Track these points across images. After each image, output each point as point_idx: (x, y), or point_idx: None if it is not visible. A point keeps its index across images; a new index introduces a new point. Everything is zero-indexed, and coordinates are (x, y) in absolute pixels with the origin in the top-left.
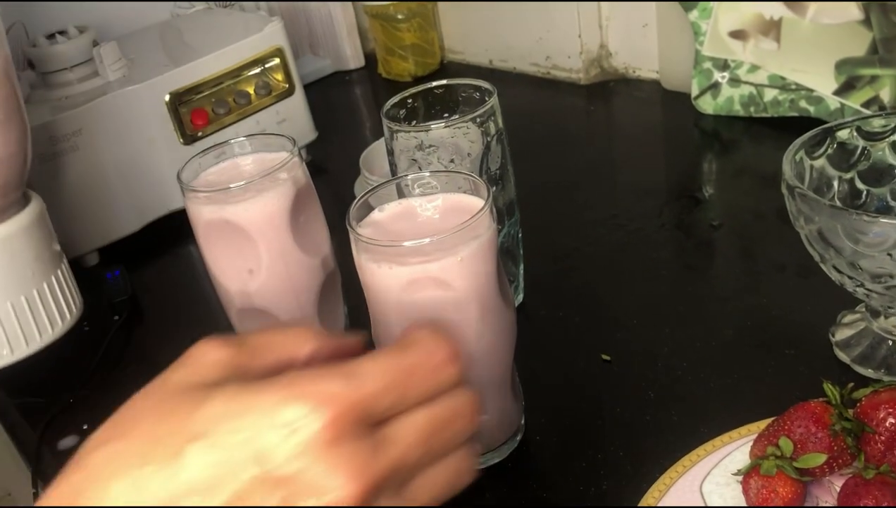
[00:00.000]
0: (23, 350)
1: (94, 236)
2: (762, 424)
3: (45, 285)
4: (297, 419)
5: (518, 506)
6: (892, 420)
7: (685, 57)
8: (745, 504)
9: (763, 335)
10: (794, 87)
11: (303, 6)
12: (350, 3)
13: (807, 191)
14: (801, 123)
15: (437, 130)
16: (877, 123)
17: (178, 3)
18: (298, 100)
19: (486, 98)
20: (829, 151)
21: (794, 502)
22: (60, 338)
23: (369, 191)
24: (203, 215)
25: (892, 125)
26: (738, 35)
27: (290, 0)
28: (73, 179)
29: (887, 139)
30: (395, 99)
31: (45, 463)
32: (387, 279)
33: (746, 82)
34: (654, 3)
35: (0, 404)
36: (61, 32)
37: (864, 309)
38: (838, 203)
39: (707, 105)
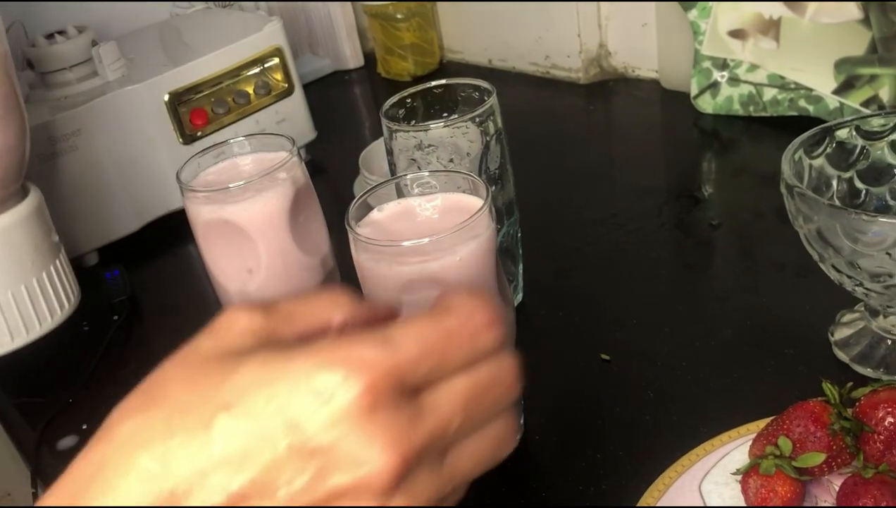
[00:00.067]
0: (22, 338)
1: (93, 236)
2: (761, 423)
3: (44, 275)
4: (331, 387)
5: (517, 506)
6: (891, 420)
7: (684, 56)
8: (744, 504)
9: (762, 335)
10: (793, 86)
11: (302, 6)
12: (349, 3)
13: (806, 190)
14: (801, 123)
15: (437, 129)
16: (876, 123)
17: (177, 2)
18: (298, 100)
19: (486, 98)
20: (828, 150)
21: (793, 501)
22: (60, 337)
23: (368, 191)
24: (202, 214)
25: (891, 124)
26: (737, 34)
27: (290, 0)
28: (73, 178)
29: (886, 138)
30: (395, 99)
31: (45, 463)
32: (386, 279)
33: (746, 82)
34: (653, 2)
35: None
36: (60, 32)
37: (863, 308)
38: (837, 202)
39: (706, 104)
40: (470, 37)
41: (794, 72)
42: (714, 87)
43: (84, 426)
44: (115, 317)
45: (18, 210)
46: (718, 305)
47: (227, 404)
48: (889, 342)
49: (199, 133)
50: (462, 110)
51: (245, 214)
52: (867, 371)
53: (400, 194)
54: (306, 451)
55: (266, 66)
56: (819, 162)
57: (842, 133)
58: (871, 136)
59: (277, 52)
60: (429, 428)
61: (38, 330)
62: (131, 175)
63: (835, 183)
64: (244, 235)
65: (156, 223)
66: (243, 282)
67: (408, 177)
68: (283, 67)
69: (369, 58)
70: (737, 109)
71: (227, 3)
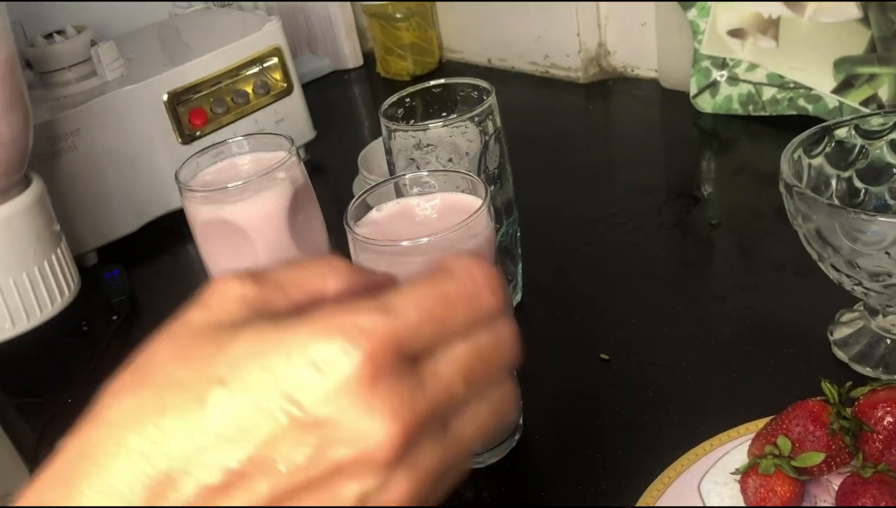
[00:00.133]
0: (23, 325)
1: (92, 236)
2: (760, 423)
3: (46, 263)
4: (329, 357)
5: (516, 506)
6: (890, 419)
7: (684, 56)
8: (743, 504)
9: (761, 334)
10: (792, 85)
11: (301, 5)
12: (348, 3)
13: (805, 190)
14: (800, 122)
15: (435, 129)
16: (875, 122)
17: (176, 2)
18: (297, 99)
19: (484, 97)
20: (828, 149)
21: (793, 501)
22: (60, 337)
23: (367, 190)
24: (201, 214)
25: (891, 124)
26: (736, 34)
27: (289, 0)
28: (72, 178)
29: (885, 138)
30: (393, 98)
31: (45, 463)
32: None
33: (745, 81)
34: (652, 2)
35: None
36: (59, 32)
37: (862, 308)
38: (836, 202)
39: (706, 104)
40: (469, 36)
41: (793, 71)
42: (713, 86)
43: None
44: (115, 317)
45: (21, 199)
46: (718, 304)
47: (222, 377)
48: (888, 341)
49: (197, 133)
50: (461, 110)
51: (244, 213)
52: (866, 371)
53: (399, 193)
54: (305, 424)
55: (265, 65)
56: (818, 161)
57: (841, 132)
58: (870, 135)
59: (276, 51)
60: (431, 397)
61: (38, 317)
62: (130, 175)
63: (834, 182)
64: (243, 234)
65: (155, 223)
66: None
67: (407, 177)
68: (282, 66)
69: (368, 57)
70: (736, 108)
71: (226, 2)
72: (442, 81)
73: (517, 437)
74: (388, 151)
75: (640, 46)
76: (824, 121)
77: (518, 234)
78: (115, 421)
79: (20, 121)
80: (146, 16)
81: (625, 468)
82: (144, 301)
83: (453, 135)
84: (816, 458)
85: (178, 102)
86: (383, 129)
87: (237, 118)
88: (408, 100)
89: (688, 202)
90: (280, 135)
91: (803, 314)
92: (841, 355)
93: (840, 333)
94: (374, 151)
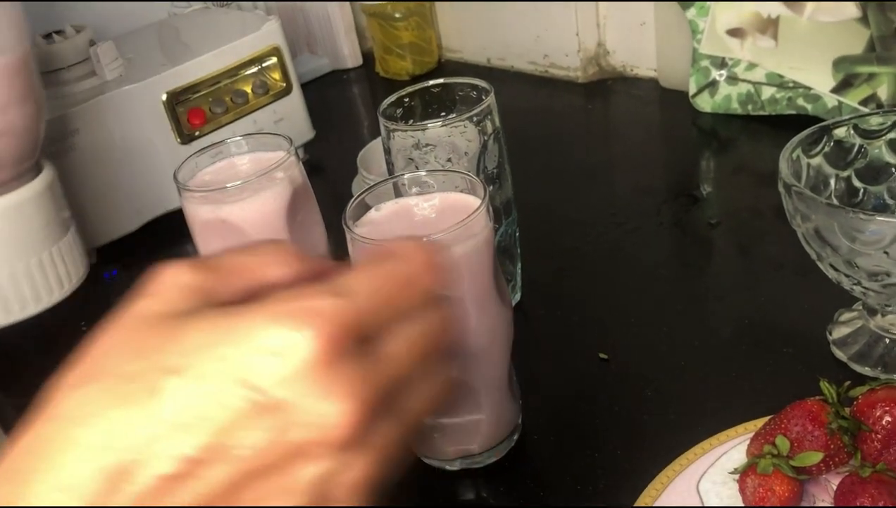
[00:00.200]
0: (30, 310)
1: (91, 236)
2: (759, 422)
3: (56, 249)
4: (286, 342)
5: (515, 505)
6: (889, 419)
7: (683, 55)
8: (741, 503)
9: (760, 333)
10: (791, 85)
11: (300, 5)
12: (347, 2)
13: (803, 189)
14: (799, 121)
15: (434, 128)
16: (874, 121)
17: (175, 2)
18: (296, 99)
19: (483, 97)
20: (826, 149)
21: (791, 501)
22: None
23: (366, 190)
24: (200, 214)
25: (890, 123)
26: (735, 33)
27: None
28: (71, 178)
29: (884, 137)
30: (392, 98)
31: None
32: None
33: (744, 80)
34: (651, 1)
35: None
36: (58, 32)
37: (861, 307)
38: (835, 201)
39: (705, 103)
40: (468, 36)
41: (792, 70)
42: (712, 85)
43: None
44: None
45: (33, 186)
46: (717, 304)
47: (177, 367)
48: (887, 340)
49: (196, 133)
50: (460, 110)
51: (242, 213)
52: (865, 370)
53: (398, 193)
54: (264, 408)
55: (264, 65)
56: (817, 161)
57: (840, 132)
58: (869, 134)
59: (275, 51)
60: (385, 376)
61: (46, 302)
62: (129, 175)
63: (833, 182)
64: (242, 234)
65: (154, 223)
66: None
67: (405, 176)
68: (281, 66)
69: (368, 57)
70: (735, 107)
71: (225, 2)
72: (441, 80)
73: (516, 437)
74: (387, 151)
75: (639, 46)
76: (823, 120)
77: (517, 234)
78: (66, 416)
79: (33, 112)
80: (145, 16)
81: (623, 467)
82: None
83: (452, 135)
84: (815, 458)
85: (177, 102)
86: (382, 128)
87: (236, 118)
88: (406, 100)
89: (687, 202)
90: (279, 135)
91: (802, 314)
92: (840, 354)
93: (839, 332)
94: (373, 151)
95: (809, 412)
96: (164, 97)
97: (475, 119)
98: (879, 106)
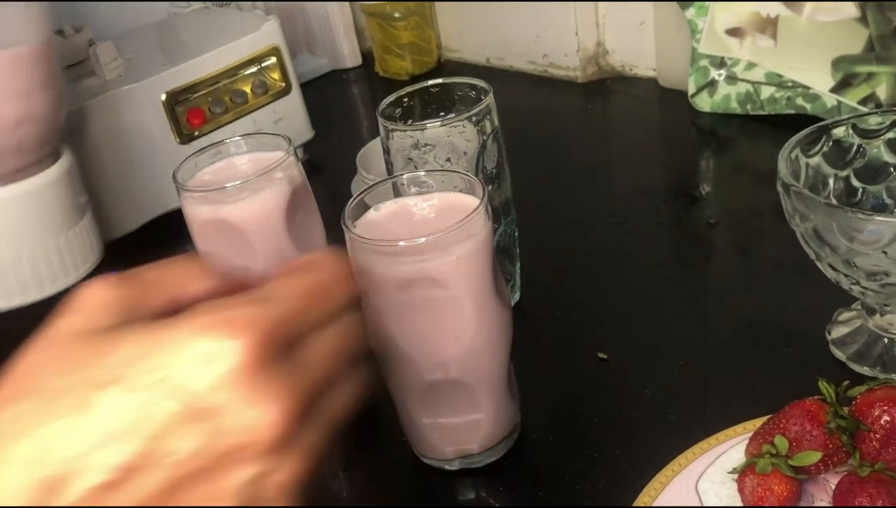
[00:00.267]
0: (46, 290)
1: None
2: (758, 422)
3: (74, 231)
4: (215, 351)
5: (514, 505)
6: (887, 418)
7: (682, 55)
8: (740, 503)
9: (759, 333)
10: (790, 84)
11: (300, 5)
12: (347, 2)
13: (802, 189)
14: (798, 121)
15: (433, 128)
16: (873, 121)
17: (174, 2)
18: (295, 99)
19: (482, 97)
20: (825, 148)
21: (790, 500)
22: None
23: (365, 190)
24: (199, 214)
25: (888, 123)
26: (734, 33)
27: None
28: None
29: (883, 137)
30: (391, 98)
31: None
32: (382, 279)
33: (743, 80)
34: (650, 1)
35: None
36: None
37: (859, 307)
38: (834, 201)
39: (704, 103)
40: (468, 36)
41: (791, 70)
42: (711, 85)
43: None
44: None
45: (53, 170)
46: (716, 303)
47: (109, 380)
48: (886, 340)
49: (196, 133)
50: (459, 109)
51: (241, 213)
52: (864, 370)
53: (397, 193)
54: (195, 415)
55: (263, 65)
56: (816, 161)
57: (838, 131)
58: (867, 134)
59: (275, 51)
60: (309, 381)
61: (64, 282)
62: (129, 175)
63: (831, 182)
64: (241, 234)
65: (153, 223)
66: None
67: (404, 176)
68: (281, 66)
69: (367, 57)
70: (734, 107)
71: (225, 2)
72: (440, 80)
73: (515, 436)
74: (386, 151)
75: (638, 46)
76: (822, 120)
77: (516, 234)
78: (2, 433)
79: (55, 98)
80: (144, 15)
81: (622, 467)
82: None
83: (451, 135)
84: (813, 457)
85: (177, 102)
86: (381, 128)
87: (235, 118)
88: (405, 100)
89: (686, 202)
90: (278, 135)
91: (801, 313)
92: (839, 354)
93: (838, 332)
94: (372, 151)
95: (808, 412)
96: (163, 97)
97: (474, 119)
98: (878, 106)
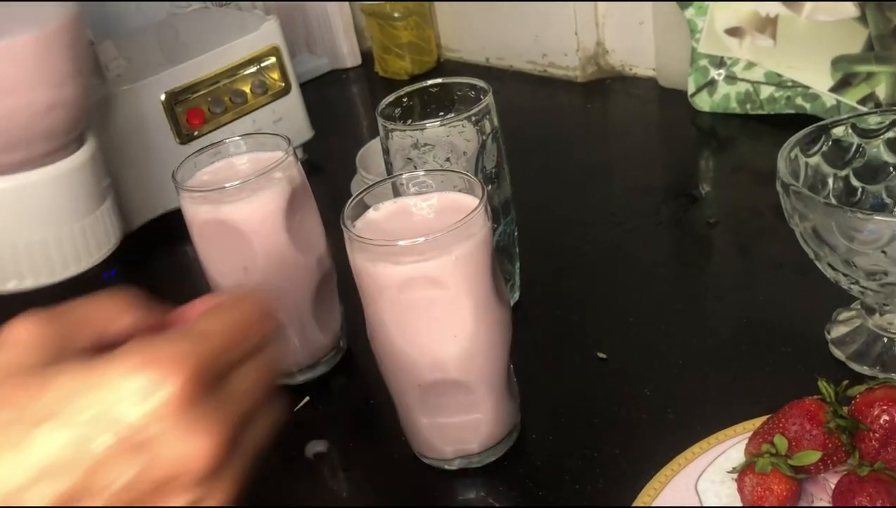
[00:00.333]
0: (72, 270)
1: None
2: (758, 421)
3: (98, 213)
4: (149, 386)
5: (514, 505)
6: (887, 418)
7: (681, 54)
8: (740, 503)
9: (759, 333)
10: (790, 84)
11: (299, 5)
12: (346, 2)
13: (801, 189)
14: (798, 120)
15: (433, 128)
16: (872, 121)
17: (174, 2)
18: (295, 99)
19: (482, 96)
20: (824, 148)
21: (789, 500)
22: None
23: (364, 190)
24: (198, 214)
25: (888, 122)
26: (734, 32)
27: None
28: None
29: (882, 136)
30: (391, 98)
31: None
32: (382, 279)
33: (743, 79)
34: (650, 0)
35: None
36: None
37: (859, 306)
38: (833, 201)
39: (703, 102)
40: (467, 35)
41: (790, 70)
42: (711, 85)
43: None
44: None
45: (79, 155)
46: (715, 303)
47: (46, 417)
48: (885, 339)
49: (195, 133)
50: (458, 109)
51: (241, 213)
52: (863, 369)
53: (396, 193)
54: (130, 448)
55: (263, 65)
56: (815, 160)
57: (838, 131)
58: (867, 134)
59: (274, 51)
60: (236, 412)
61: (87, 262)
62: (128, 175)
63: (831, 181)
64: (240, 234)
65: (153, 223)
66: (239, 281)
67: (404, 176)
68: (280, 66)
69: (367, 56)
70: (734, 106)
71: (224, 2)
72: (439, 80)
73: (515, 436)
74: (386, 151)
75: (637, 45)
76: (822, 119)
77: (516, 233)
78: None
79: (84, 84)
80: (144, 16)
81: (622, 467)
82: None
83: (451, 134)
84: (813, 457)
85: (176, 102)
86: (380, 128)
87: (235, 118)
88: (405, 99)
89: (686, 201)
90: (277, 135)
91: (801, 313)
92: (838, 353)
93: (837, 331)
94: (372, 151)
95: (808, 412)
96: (163, 97)
97: (474, 119)
98: (878, 105)
